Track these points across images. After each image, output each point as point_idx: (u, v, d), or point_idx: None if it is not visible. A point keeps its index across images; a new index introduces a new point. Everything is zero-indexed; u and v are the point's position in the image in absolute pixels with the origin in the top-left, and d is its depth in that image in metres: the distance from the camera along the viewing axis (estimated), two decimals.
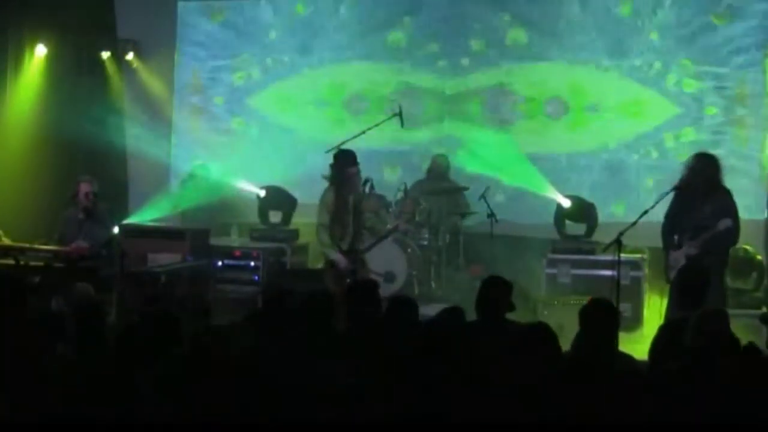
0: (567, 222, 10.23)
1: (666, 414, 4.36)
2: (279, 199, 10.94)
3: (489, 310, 6.03)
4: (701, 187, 8.11)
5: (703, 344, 4.89)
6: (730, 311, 7.76)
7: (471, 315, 6.11)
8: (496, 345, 5.05)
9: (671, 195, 8.25)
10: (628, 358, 5.30)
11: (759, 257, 9.69)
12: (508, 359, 4.73)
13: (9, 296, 5.71)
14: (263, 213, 10.96)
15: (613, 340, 5.34)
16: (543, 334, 4.85)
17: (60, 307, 7.78)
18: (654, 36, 10.63)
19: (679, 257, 8.09)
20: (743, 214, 8.74)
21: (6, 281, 5.94)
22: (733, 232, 8.09)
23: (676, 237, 8.23)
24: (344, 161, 8.52)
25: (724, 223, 7.94)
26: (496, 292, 6.10)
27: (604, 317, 5.35)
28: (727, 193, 8.18)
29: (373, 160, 10.24)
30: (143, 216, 10.65)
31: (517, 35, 11.04)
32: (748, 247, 9.64)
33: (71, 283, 7.31)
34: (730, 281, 9.39)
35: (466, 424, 4.28)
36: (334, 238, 8.41)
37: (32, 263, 8.44)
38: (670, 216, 8.28)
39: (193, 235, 9.61)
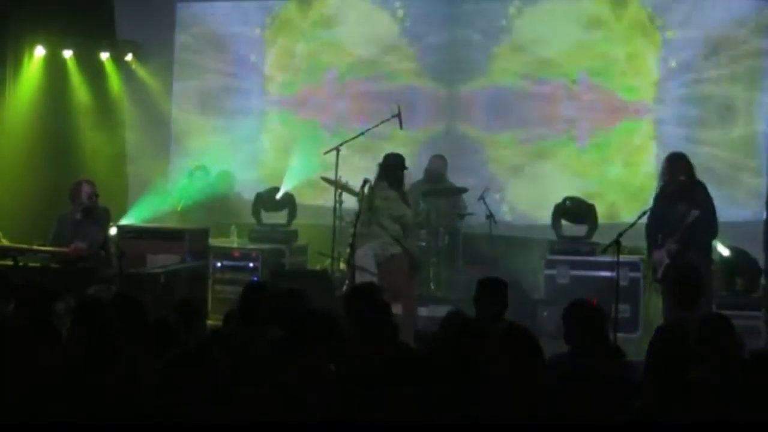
0: (567, 223, 10.22)
1: (666, 416, 4.36)
2: (278, 199, 10.94)
3: (484, 310, 6.02)
4: (676, 187, 8.24)
5: (709, 351, 4.91)
6: (730, 313, 7.85)
7: (470, 315, 6.13)
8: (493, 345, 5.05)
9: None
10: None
11: (751, 257, 9.69)
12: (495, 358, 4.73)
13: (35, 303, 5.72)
14: (257, 213, 10.96)
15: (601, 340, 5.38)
16: (518, 335, 4.85)
17: (62, 310, 7.78)
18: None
19: (662, 255, 8.24)
20: (743, 215, 8.81)
21: (32, 288, 5.94)
22: (707, 223, 8.23)
23: (660, 237, 8.35)
24: (398, 164, 8.85)
25: (693, 214, 8.11)
26: (491, 292, 6.10)
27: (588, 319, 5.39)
28: (699, 187, 8.35)
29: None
30: (140, 213, 10.62)
31: None
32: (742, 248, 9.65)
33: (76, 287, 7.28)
34: (727, 283, 9.45)
35: (461, 425, 4.29)
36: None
37: (31, 264, 8.45)
38: (652, 218, 8.40)
39: (192, 235, 9.61)
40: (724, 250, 9.39)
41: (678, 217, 8.22)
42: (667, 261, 8.17)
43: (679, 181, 8.30)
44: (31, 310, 5.78)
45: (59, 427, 4.17)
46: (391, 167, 8.86)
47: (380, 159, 9.11)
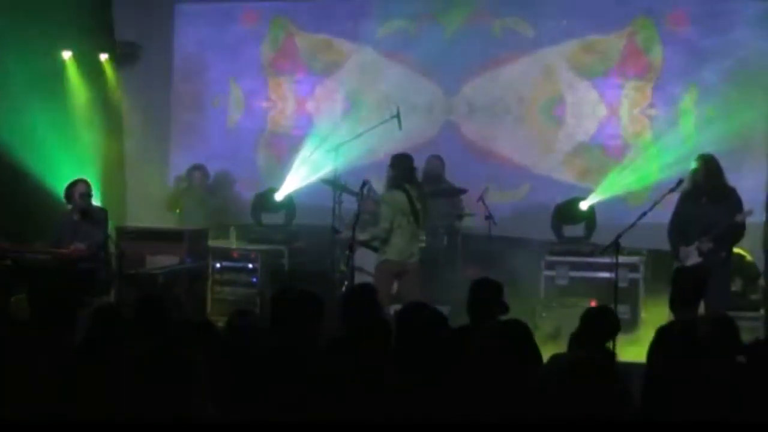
0: (567, 225, 10.24)
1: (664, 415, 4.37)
2: (277, 200, 10.95)
3: (479, 312, 6.02)
4: (707, 188, 8.29)
5: (711, 350, 4.92)
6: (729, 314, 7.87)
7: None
8: (488, 347, 5.05)
9: (675, 198, 8.44)
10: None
11: (749, 259, 9.73)
12: (486, 358, 4.73)
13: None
14: (256, 214, 10.97)
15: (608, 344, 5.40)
16: (516, 332, 4.85)
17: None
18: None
19: (690, 252, 8.27)
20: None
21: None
22: (741, 226, 8.36)
23: (687, 235, 8.44)
24: (410, 164, 8.79)
25: (742, 216, 8.22)
26: (485, 294, 6.09)
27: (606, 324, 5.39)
28: (733, 192, 8.47)
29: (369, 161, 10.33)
30: None
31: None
32: (739, 250, 9.68)
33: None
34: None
35: (454, 425, 4.30)
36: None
37: (31, 265, 8.44)
38: (678, 218, 8.45)
39: (191, 236, 9.61)
40: None
41: (709, 218, 8.28)
42: (696, 258, 8.24)
43: (708, 181, 8.36)
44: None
45: (60, 427, 4.18)
46: (412, 167, 8.86)
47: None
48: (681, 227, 8.45)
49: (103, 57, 11.69)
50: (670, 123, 10.52)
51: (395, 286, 8.77)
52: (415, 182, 8.81)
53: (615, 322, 5.61)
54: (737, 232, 8.41)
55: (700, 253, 8.26)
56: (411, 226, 8.68)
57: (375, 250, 8.90)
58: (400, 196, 8.68)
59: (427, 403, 4.41)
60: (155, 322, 5.37)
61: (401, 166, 8.78)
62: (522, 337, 4.77)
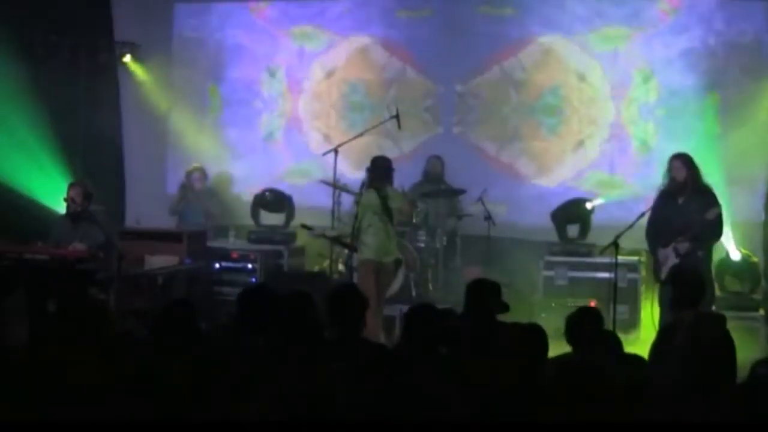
0: (568, 224, 10.24)
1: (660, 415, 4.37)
2: (276, 201, 10.94)
3: (477, 312, 6.01)
4: (683, 187, 8.25)
5: (697, 346, 4.91)
6: (729, 314, 7.88)
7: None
8: (486, 347, 5.06)
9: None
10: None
11: (754, 260, 9.73)
12: (497, 360, 4.74)
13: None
14: (255, 214, 10.97)
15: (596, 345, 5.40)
16: (533, 334, 4.86)
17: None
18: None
19: (668, 254, 8.23)
20: (742, 217, 8.82)
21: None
22: (720, 223, 8.22)
23: (664, 236, 8.36)
24: (384, 164, 8.89)
25: (713, 213, 8.12)
26: (482, 294, 6.08)
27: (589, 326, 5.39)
28: (709, 189, 8.37)
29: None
30: None
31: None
32: (744, 250, 9.69)
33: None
34: (728, 284, 9.49)
35: (454, 425, 4.29)
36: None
37: (30, 265, 8.43)
38: (655, 219, 8.39)
39: (190, 237, 9.60)
40: (735, 255, 9.45)
41: (684, 217, 8.21)
42: (674, 260, 8.18)
43: (686, 180, 8.31)
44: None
45: (62, 427, 4.18)
46: (387, 167, 8.91)
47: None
48: (658, 228, 8.39)
49: (103, 57, 11.66)
50: (680, 122, 10.47)
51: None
52: (389, 181, 8.91)
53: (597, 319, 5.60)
54: (712, 230, 8.27)
55: (677, 254, 8.21)
56: (385, 225, 8.76)
57: (350, 249, 8.98)
58: (371, 196, 8.78)
59: (430, 401, 4.41)
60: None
61: (375, 167, 8.95)
62: (539, 341, 4.79)
